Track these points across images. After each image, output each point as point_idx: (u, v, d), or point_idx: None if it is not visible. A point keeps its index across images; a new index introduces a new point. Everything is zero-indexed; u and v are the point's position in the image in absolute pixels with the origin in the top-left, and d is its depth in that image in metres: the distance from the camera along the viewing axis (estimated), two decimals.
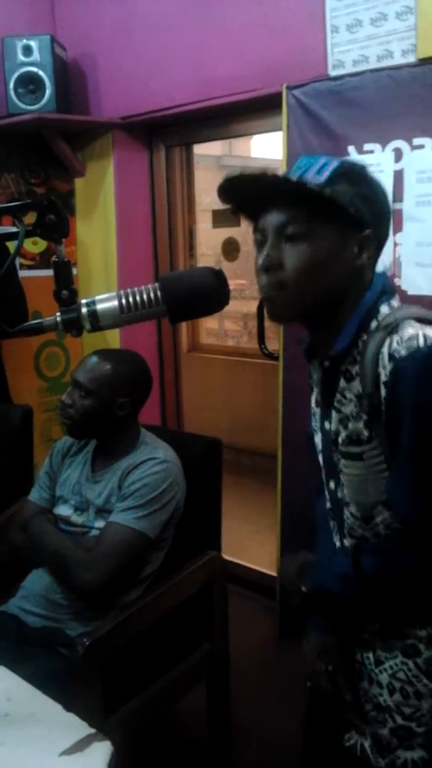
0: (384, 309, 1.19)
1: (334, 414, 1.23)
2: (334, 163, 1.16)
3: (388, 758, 1.24)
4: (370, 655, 1.28)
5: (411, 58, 2.40)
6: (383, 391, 1.10)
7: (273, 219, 1.17)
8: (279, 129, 2.78)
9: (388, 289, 1.23)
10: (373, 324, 1.17)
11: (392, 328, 1.12)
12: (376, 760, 1.25)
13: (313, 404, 1.36)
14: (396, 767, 1.23)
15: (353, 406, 1.18)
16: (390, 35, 2.44)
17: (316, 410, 1.34)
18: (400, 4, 2.41)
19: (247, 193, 1.20)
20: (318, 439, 1.34)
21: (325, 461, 1.31)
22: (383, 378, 1.10)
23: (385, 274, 1.25)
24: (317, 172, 1.15)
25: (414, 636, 1.22)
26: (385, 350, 1.10)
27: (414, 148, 2.36)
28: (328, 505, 1.34)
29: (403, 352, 1.08)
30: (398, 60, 2.44)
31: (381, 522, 1.21)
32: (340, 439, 1.22)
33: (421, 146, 2.35)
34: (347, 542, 1.30)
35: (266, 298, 1.19)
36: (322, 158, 1.18)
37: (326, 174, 1.14)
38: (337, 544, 1.34)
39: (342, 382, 1.20)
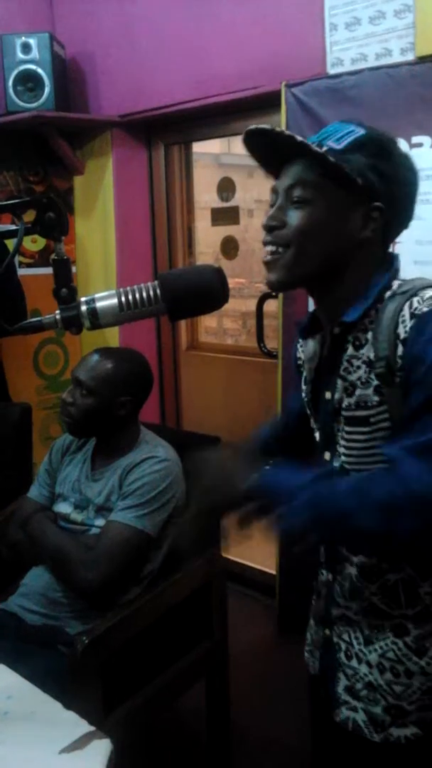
0: (396, 282, 1.20)
1: (339, 382, 1.22)
2: (358, 132, 1.16)
3: (382, 734, 1.25)
4: (359, 635, 1.28)
5: (409, 56, 2.40)
6: (400, 350, 1.11)
7: (284, 180, 1.19)
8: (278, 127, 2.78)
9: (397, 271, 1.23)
10: (387, 294, 1.18)
11: (412, 293, 1.13)
12: (371, 735, 1.26)
13: (304, 386, 1.37)
14: (390, 744, 1.24)
15: (362, 372, 1.18)
16: (388, 33, 2.45)
17: (306, 386, 1.35)
18: (398, 2, 2.41)
19: (268, 151, 1.22)
20: (312, 418, 1.34)
21: (323, 432, 1.30)
22: (402, 336, 1.10)
23: (398, 256, 1.26)
24: (338, 139, 1.15)
25: (401, 615, 1.23)
26: (406, 310, 1.11)
27: (413, 146, 2.36)
28: None
29: (425, 308, 1.09)
30: (397, 58, 2.44)
31: None
32: (344, 406, 1.22)
33: (420, 144, 2.35)
34: None
35: (267, 262, 1.20)
36: (351, 126, 1.18)
37: (345, 141, 1.15)
38: None
39: (350, 350, 1.20)
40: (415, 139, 2.35)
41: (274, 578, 3.13)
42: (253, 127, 1.18)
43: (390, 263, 1.22)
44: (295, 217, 1.16)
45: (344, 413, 1.22)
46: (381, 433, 1.17)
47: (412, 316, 1.10)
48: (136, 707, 1.91)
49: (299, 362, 1.44)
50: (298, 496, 1.07)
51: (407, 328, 1.10)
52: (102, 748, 1.13)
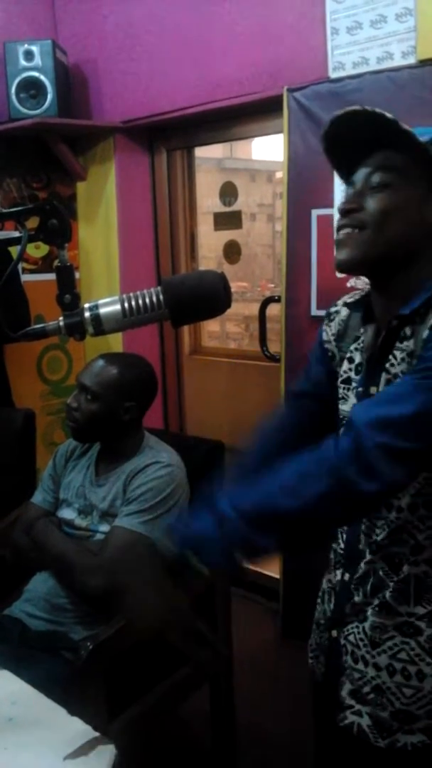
0: None
1: (383, 376, 1.23)
2: None
3: (388, 740, 1.24)
4: (364, 637, 1.27)
5: (411, 60, 2.41)
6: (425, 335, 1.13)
7: (363, 170, 1.20)
8: (280, 131, 2.78)
9: None
10: None
11: None
12: (375, 740, 1.25)
13: (343, 372, 1.34)
14: (396, 749, 1.23)
15: (405, 365, 1.18)
16: (390, 37, 2.45)
17: (353, 377, 1.32)
18: (399, 6, 2.41)
19: (347, 140, 1.21)
20: (347, 407, 1.31)
21: None
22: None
23: None
24: (421, 134, 1.16)
25: (408, 613, 1.22)
26: None
27: None
28: None
29: None
30: (398, 62, 2.44)
31: (415, 489, 1.18)
32: None
33: None
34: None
35: (339, 241, 1.20)
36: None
37: (428, 137, 1.16)
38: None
39: (396, 343, 1.21)
40: None
41: (278, 582, 3.13)
42: (339, 113, 1.18)
43: None
44: (374, 201, 1.17)
45: None
46: None
47: None
48: (140, 712, 1.91)
49: (326, 345, 1.43)
50: (215, 542, 1.06)
51: None
52: (106, 753, 1.13)
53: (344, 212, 1.19)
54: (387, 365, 1.22)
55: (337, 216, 1.23)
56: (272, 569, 3.35)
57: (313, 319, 2.76)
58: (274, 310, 3.21)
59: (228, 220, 4.78)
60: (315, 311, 2.76)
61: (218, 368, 5.07)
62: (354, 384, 1.32)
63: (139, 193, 3.75)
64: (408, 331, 1.19)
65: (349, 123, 1.18)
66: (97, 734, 1.18)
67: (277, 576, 3.17)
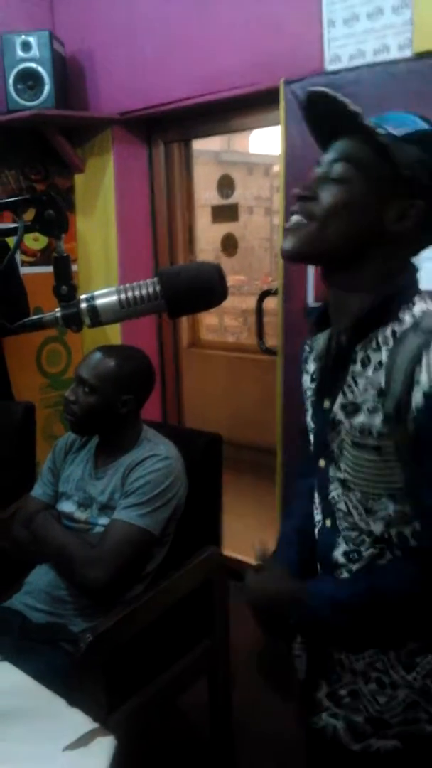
0: (420, 304, 1.14)
1: (339, 397, 1.17)
2: (420, 125, 1.11)
3: (362, 743, 1.23)
4: None
5: (407, 53, 2.40)
6: (418, 398, 1.05)
7: (330, 153, 1.15)
8: (277, 123, 2.78)
9: (417, 279, 1.19)
10: (407, 316, 1.12)
11: None
12: (348, 743, 1.24)
13: (305, 384, 1.32)
14: (369, 753, 1.23)
15: (369, 398, 1.12)
16: (386, 29, 2.44)
17: (310, 386, 1.29)
18: None
19: (322, 118, 1.16)
20: (309, 417, 1.30)
21: (318, 439, 1.25)
22: (425, 387, 1.04)
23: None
24: (397, 126, 1.10)
25: None
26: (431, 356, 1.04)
27: None
28: (316, 482, 1.29)
29: None
30: (394, 54, 2.44)
31: (382, 518, 1.15)
32: (346, 427, 1.16)
33: None
34: (329, 522, 1.25)
35: (287, 228, 1.15)
36: (414, 117, 1.13)
37: (405, 130, 1.10)
38: (318, 518, 1.30)
39: (358, 366, 1.15)
40: None
41: None
42: (312, 89, 1.13)
43: (410, 271, 1.18)
44: (328, 193, 1.12)
45: (348, 437, 1.16)
46: (390, 463, 1.12)
47: None
48: (139, 704, 1.92)
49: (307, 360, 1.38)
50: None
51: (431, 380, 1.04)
52: (106, 745, 1.14)
53: (298, 197, 1.14)
54: (345, 387, 1.17)
55: None
56: None
57: (308, 313, 2.76)
58: (272, 303, 3.20)
59: (225, 212, 4.79)
60: (312, 305, 2.76)
61: (216, 361, 5.09)
62: (309, 394, 1.30)
63: (136, 185, 3.74)
64: (374, 359, 1.13)
65: (325, 101, 1.12)
66: (96, 725, 1.18)
67: None
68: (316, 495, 1.30)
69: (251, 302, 3.61)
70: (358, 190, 1.11)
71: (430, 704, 1.20)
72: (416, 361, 1.05)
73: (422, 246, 1.18)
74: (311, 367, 1.32)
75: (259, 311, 3.30)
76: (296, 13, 2.69)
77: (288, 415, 2.86)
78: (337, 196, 1.11)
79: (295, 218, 1.15)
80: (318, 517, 1.30)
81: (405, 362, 1.07)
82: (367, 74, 2.46)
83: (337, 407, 1.18)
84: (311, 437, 1.30)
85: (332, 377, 1.21)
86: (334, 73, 2.56)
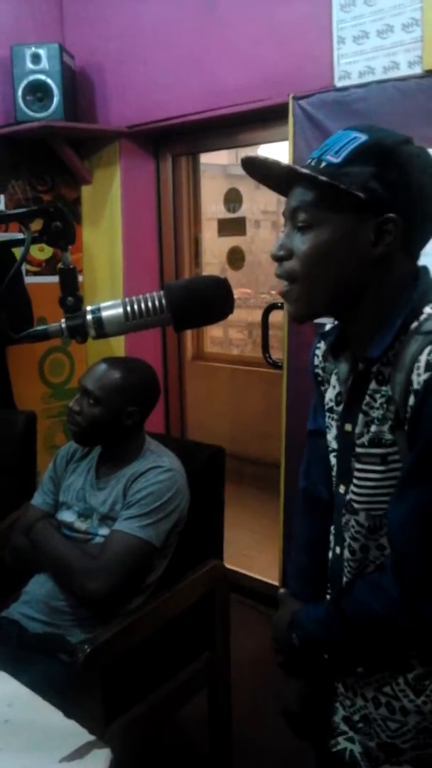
0: (428, 309, 1.09)
1: (361, 417, 1.16)
2: (360, 140, 1.07)
3: None
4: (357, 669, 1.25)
5: (417, 70, 2.42)
6: (411, 400, 1.04)
7: (289, 203, 1.13)
8: (285, 139, 2.79)
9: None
10: (414, 325, 1.08)
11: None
12: (366, 767, 1.24)
13: (328, 401, 1.30)
14: None
15: (382, 410, 1.12)
16: (396, 47, 2.46)
17: (335, 408, 1.27)
18: (406, 15, 2.42)
19: (269, 174, 1.16)
20: (331, 437, 1.28)
21: (340, 463, 1.25)
22: (415, 386, 1.03)
23: (428, 269, 1.16)
24: (336, 151, 1.08)
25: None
26: (423, 357, 1.02)
27: None
28: (335, 508, 1.28)
29: None
30: (404, 71, 2.45)
31: (386, 533, 1.15)
32: (361, 441, 1.15)
33: None
34: (338, 550, 1.26)
35: (282, 294, 1.15)
36: (353, 133, 1.09)
37: (344, 153, 1.07)
38: (331, 543, 1.30)
39: (373, 384, 1.14)
40: None
41: (277, 589, 3.12)
42: (243, 157, 1.13)
43: (416, 280, 1.13)
44: (299, 243, 1.10)
45: (360, 449, 1.15)
46: (395, 473, 1.11)
47: (428, 366, 1.01)
48: (137, 717, 1.91)
49: (316, 370, 1.36)
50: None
51: (420, 380, 1.02)
52: (102, 757, 1.14)
53: (275, 258, 1.13)
54: (363, 405, 1.15)
55: None
56: (271, 575, 3.34)
57: (316, 326, 2.75)
58: (277, 316, 3.21)
59: (232, 226, 4.80)
60: (319, 321, 2.75)
61: (220, 374, 5.09)
62: (334, 415, 1.28)
63: (143, 197, 3.76)
64: (386, 372, 1.11)
65: (263, 163, 1.13)
66: (93, 737, 1.18)
67: (276, 582, 3.17)
68: (333, 521, 1.30)
69: (257, 315, 3.61)
70: (327, 231, 1.08)
71: None
72: (411, 366, 1.04)
73: (418, 249, 1.15)
74: (334, 392, 1.29)
75: (265, 324, 3.30)
76: (306, 29, 2.71)
77: (292, 428, 2.86)
78: (308, 244, 1.10)
79: (282, 282, 1.14)
80: (332, 542, 1.31)
81: (405, 367, 1.06)
82: (376, 91, 2.47)
83: (359, 428, 1.17)
84: (332, 460, 1.29)
85: (352, 400, 1.19)
86: (344, 89, 2.57)
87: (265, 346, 3.31)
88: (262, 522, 3.97)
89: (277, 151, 3.66)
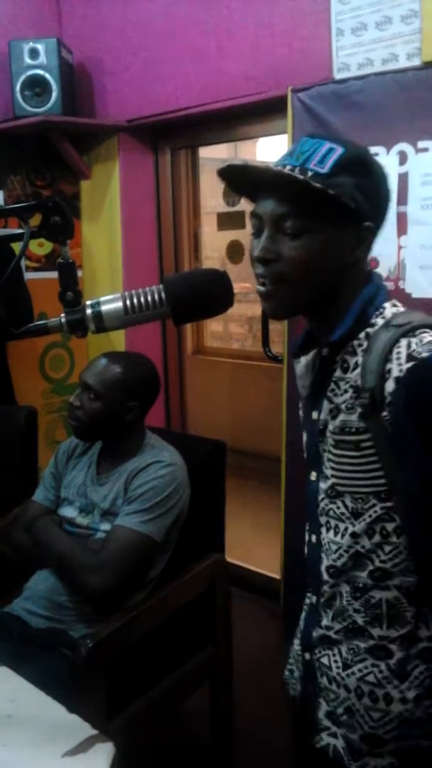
0: (390, 308, 1.19)
1: (325, 403, 1.22)
2: (338, 151, 1.12)
3: (360, 761, 1.23)
4: (338, 659, 1.26)
5: (416, 62, 2.40)
6: (390, 385, 1.08)
7: (270, 208, 1.14)
8: (284, 132, 2.79)
9: (384, 288, 1.23)
10: (378, 320, 1.17)
11: (408, 330, 1.10)
12: (349, 762, 1.24)
13: (303, 393, 1.35)
14: None
15: (348, 397, 1.17)
16: (395, 39, 2.45)
17: (301, 402, 1.33)
18: (405, 7, 2.41)
19: (248, 179, 1.19)
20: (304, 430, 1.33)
21: (309, 451, 1.29)
22: (395, 373, 1.08)
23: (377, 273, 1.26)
24: (320, 161, 1.11)
25: (380, 637, 1.21)
26: (402, 349, 1.08)
27: (418, 151, 2.36)
28: (306, 496, 1.31)
29: (426, 354, 1.06)
30: (403, 63, 2.44)
31: (371, 518, 1.17)
32: (330, 429, 1.20)
33: (426, 149, 2.35)
34: (314, 538, 1.29)
35: (263, 293, 1.18)
36: (325, 143, 1.13)
37: (329, 164, 1.11)
38: (306, 535, 1.32)
39: (338, 372, 1.19)
40: (420, 144, 2.35)
41: (279, 582, 3.13)
42: (228, 164, 1.17)
43: (374, 281, 1.22)
44: (292, 249, 1.13)
45: (333, 437, 1.20)
46: (371, 458, 1.15)
47: (410, 357, 1.07)
48: (139, 711, 1.91)
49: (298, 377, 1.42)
50: None
51: (402, 368, 1.07)
52: (105, 751, 1.14)
53: (261, 261, 1.15)
54: (328, 392, 1.21)
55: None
56: (272, 569, 3.35)
57: None
58: None
59: (231, 220, 4.79)
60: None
61: (221, 368, 5.09)
62: (302, 412, 1.34)
63: (142, 192, 3.75)
64: (351, 361, 1.17)
65: (243, 171, 1.17)
66: (95, 732, 1.18)
67: (278, 576, 3.17)
68: (306, 510, 1.32)
69: (257, 309, 3.61)
70: (319, 237, 1.13)
71: (425, 718, 1.20)
72: (387, 352, 1.10)
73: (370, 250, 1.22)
74: (299, 389, 1.36)
75: (265, 319, 3.30)
76: (305, 21, 2.70)
77: (293, 422, 2.86)
78: (300, 251, 1.13)
79: (266, 284, 1.16)
80: (306, 534, 1.33)
81: (378, 356, 1.11)
82: (375, 83, 2.46)
83: (324, 414, 1.22)
84: (304, 451, 1.33)
85: (318, 390, 1.25)
86: (342, 81, 2.56)
87: (265, 341, 3.31)
88: (263, 516, 3.97)
89: (276, 144, 3.65)
